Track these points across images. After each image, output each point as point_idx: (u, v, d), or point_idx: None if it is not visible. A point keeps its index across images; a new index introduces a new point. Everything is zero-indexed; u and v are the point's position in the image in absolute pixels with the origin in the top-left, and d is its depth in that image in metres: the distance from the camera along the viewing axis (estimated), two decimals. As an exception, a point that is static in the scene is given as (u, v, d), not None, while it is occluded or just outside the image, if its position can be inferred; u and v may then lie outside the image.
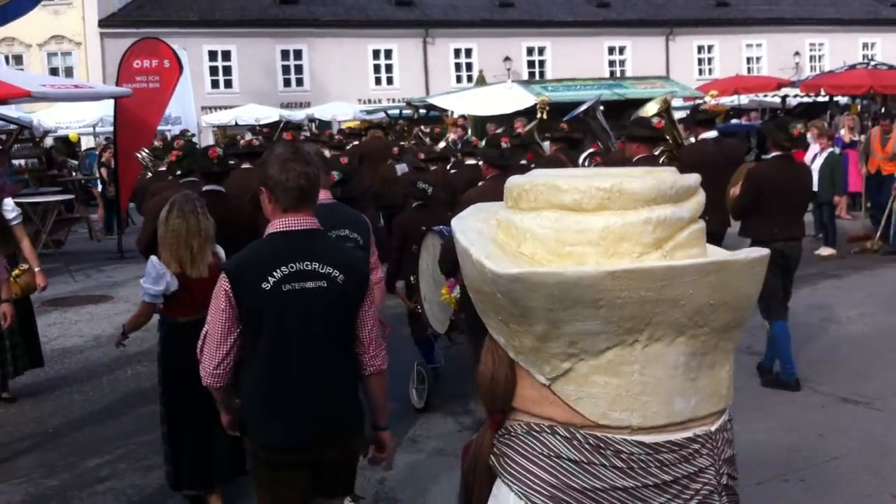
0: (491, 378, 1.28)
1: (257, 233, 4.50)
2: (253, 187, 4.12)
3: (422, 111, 21.66)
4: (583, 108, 10.58)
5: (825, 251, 12.29)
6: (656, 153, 7.95)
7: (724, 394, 1.32)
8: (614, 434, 1.19)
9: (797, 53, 42.86)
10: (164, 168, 9.62)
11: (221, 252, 4.67)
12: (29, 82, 12.98)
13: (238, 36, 37.24)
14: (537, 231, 1.24)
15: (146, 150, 13.18)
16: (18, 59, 32.55)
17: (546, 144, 11.00)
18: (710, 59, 44.01)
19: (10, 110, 16.55)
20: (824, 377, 6.93)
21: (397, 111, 26.65)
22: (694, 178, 1.39)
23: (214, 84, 36.90)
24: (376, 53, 39.59)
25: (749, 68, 42.96)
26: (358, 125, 21.06)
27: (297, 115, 31.98)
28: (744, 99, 23.01)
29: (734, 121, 21.15)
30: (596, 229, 1.20)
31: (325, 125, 29.45)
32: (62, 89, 13.44)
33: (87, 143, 25.18)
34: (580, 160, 9.10)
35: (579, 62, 38.08)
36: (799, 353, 7.03)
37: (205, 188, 5.89)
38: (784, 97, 22.97)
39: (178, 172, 7.08)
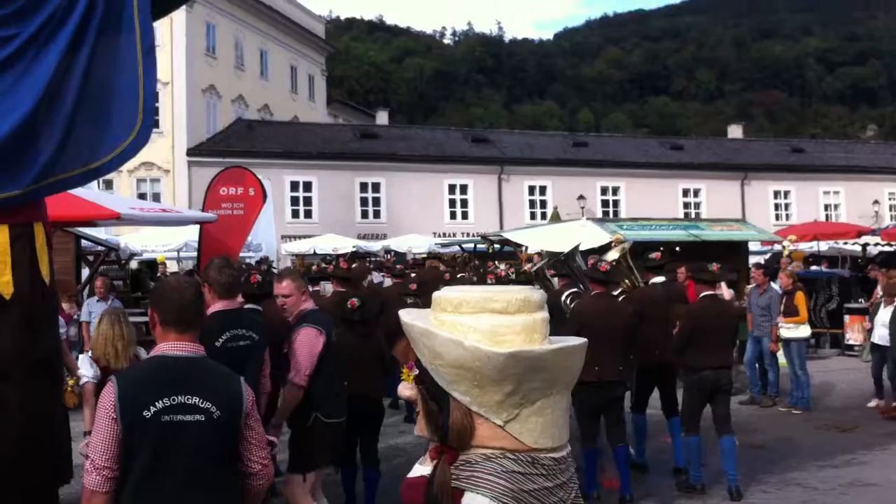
0: (462, 426, 1.86)
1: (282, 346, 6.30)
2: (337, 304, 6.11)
3: (496, 246, 21.84)
4: (565, 252, 11.70)
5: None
6: (615, 293, 9.16)
7: (567, 433, 1.99)
8: (540, 454, 1.86)
9: (876, 202, 42.47)
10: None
11: (143, 353, 5.81)
12: (118, 204, 13.43)
13: (319, 168, 38.43)
14: (479, 326, 1.85)
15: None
16: (109, 184, 33.52)
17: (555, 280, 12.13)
18: (786, 205, 43.84)
19: (99, 232, 17.11)
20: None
21: (472, 245, 26.94)
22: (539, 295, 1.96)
23: (295, 213, 37.91)
24: (452, 188, 40.40)
25: (827, 215, 42.67)
26: (444, 256, 21.43)
27: (374, 245, 32.54)
28: (823, 245, 22.71)
29: (814, 267, 20.80)
30: (519, 324, 1.86)
31: (400, 257, 29.90)
32: (150, 213, 13.88)
33: (170, 267, 25.87)
34: (563, 298, 9.97)
35: (653, 202, 38.29)
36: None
37: (246, 307, 6.57)
38: (864, 245, 22.60)
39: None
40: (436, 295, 1.99)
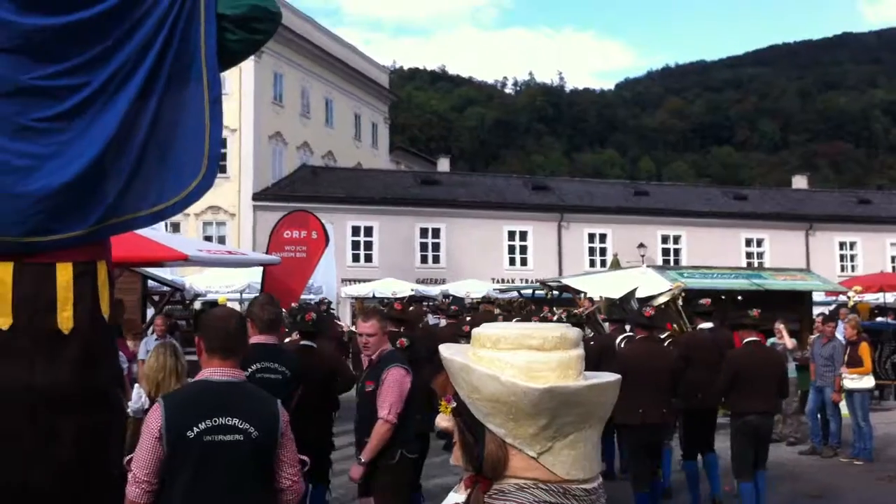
0: (496, 457, 1.95)
1: (335, 380, 7.57)
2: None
3: (555, 292, 21.83)
4: (620, 296, 12.23)
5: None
6: (662, 336, 9.82)
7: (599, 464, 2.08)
8: (571, 485, 1.94)
9: (944, 253, 41.50)
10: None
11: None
12: (186, 246, 13.79)
13: (381, 213, 38.90)
14: (516, 362, 1.92)
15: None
16: (176, 227, 34.16)
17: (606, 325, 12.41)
18: (852, 256, 43.05)
19: (165, 273, 17.53)
20: None
21: (530, 291, 26.92)
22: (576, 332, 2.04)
23: (356, 258, 38.31)
24: (511, 234, 40.51)
25: (894, 267, 41.77)
26: (496, 301, 21.51)
27: (432, 290, 32.68)
28: (889, 297, 22.26)
29: (879, 319, 20.39)
30: (555, 361, 1.91)
31: (458, 301, 29.98)
32: (216, 254, 14.27)
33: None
34: (617, 341, 10.26)
35: (715, 251, 37.90)
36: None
37: (301, 342, 7.53)
38: (932, 297, 22.14)
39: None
40: (475, 331, 2.07)
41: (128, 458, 3.72)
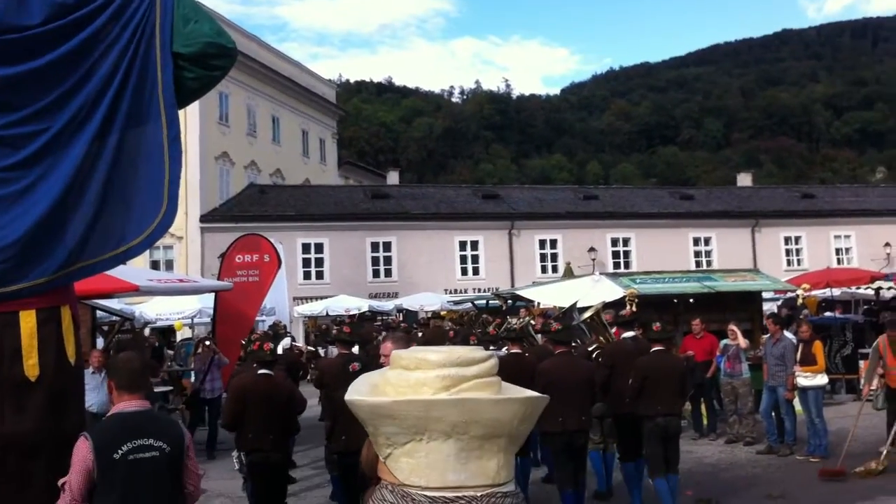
0: (366, 461, 2.37)
1: (293, 405, 8.27)
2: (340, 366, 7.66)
3: (509, 301, 21.93)
4: (564, 310, 12.86)
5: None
6: (591, 348, 11.03)
7: (492, 476, 2.19)
8: (411, 489, 2.12)
9: (887, 244, 42.38)
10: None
11: None
12: (136, 277, 13.59)
13: (331, 229, 38.72)
14: (391, 379, 2.19)
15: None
16: None
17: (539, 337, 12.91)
18: (797, 251, 43.80)
19: (113, 302, 17.29)
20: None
21: (484, 301, 27.02)
22: (482, 354, 2.24)
23: (307, 275, 38.07)
24: (463, 244, 40.58)
25: (839, 259, 42.58)
26: (446, 314, 21.54)
27: (386, 305, 32.63)
28: (836, 291, 22.69)
29: (828, 313, 20.78)
30: (412, 379, 2.13)
31: (411, 316, 29.97)
32: (168, 283, 14.07)
33: (182, 334, 25.99)
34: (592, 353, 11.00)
35: (664, 252, 38.44)
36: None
37: (259, 372, 8.18)
38: (878, 289, 22.56)
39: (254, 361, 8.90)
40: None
41: (61, 481, 4.17)
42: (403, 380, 2.18)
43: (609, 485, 10.17)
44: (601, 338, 11.45)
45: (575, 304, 13.39)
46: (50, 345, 4.57)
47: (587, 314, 11.99)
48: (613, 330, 11.68)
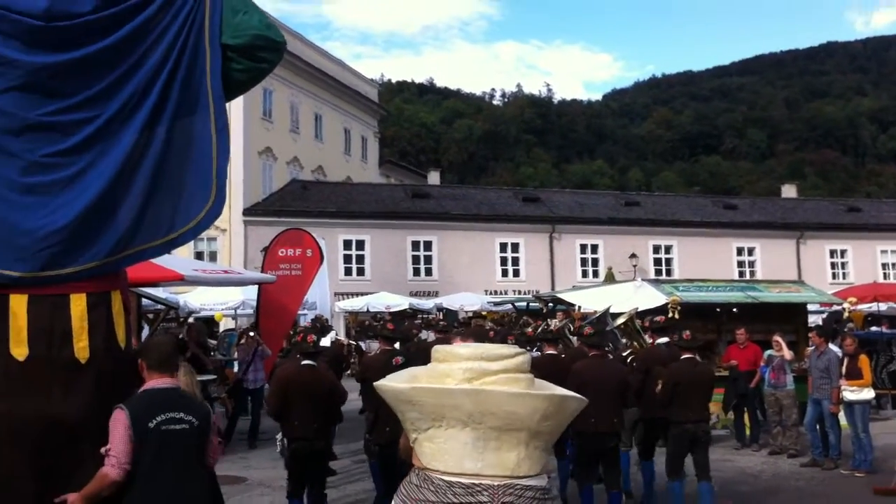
0: (402, 446, 2.41)
1: (335, 395, 8.54)
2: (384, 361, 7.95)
3: (550, 304, 21.84)
4: (597, 315, 13.06)
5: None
6: (624, 354, 11.18)
7: (511, 467, 2.28)
8: (432, 473, 2.26)
9: (935, 260, 41.73)
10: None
11: None
12: (182, 266, 13.77)
13: (372, 227, 38.90)
14: (426, 371, 2.33)
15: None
16: None
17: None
18: (843, 264, 43.24)
19: (159, 291, 17.49)
20: None
21: (524, 303, 26.95)
22: (512, 350, 2.37)
23: (348, 271, 38.27)
24: (503, 246, 40.54)
25: (885, 273, 42.01)
26: (487, 315, 21.55)
27: (426, 303, 32.68)
28: (882, 306, 22.35)
29: (874, 328, 20.47)
30: (439, 370, 2.28)
31: (451, 315, 29.97)
32: (213, 274, 14.24)
33: (224, 325, 26.22)
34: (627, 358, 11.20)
35: (707, 261, 38.05)
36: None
37: (302, 363, 8.37)
38: (926, 306, 22.23)
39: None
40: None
41: (103, 449, 4.41)
42: (434, 371, 2.34)
43: (629, 486, 10.40)
44: (635, 343, 11.64)
45: (608, 308, 13.49)
46: (100, 328, 4.65)
47: (620, 320, 12.16)
48: (648, 336, 11.81)
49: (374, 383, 2.40)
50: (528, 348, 12.26)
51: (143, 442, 4.43)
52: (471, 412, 2.24)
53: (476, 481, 2.25)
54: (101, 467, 4.42)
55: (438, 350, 2.40)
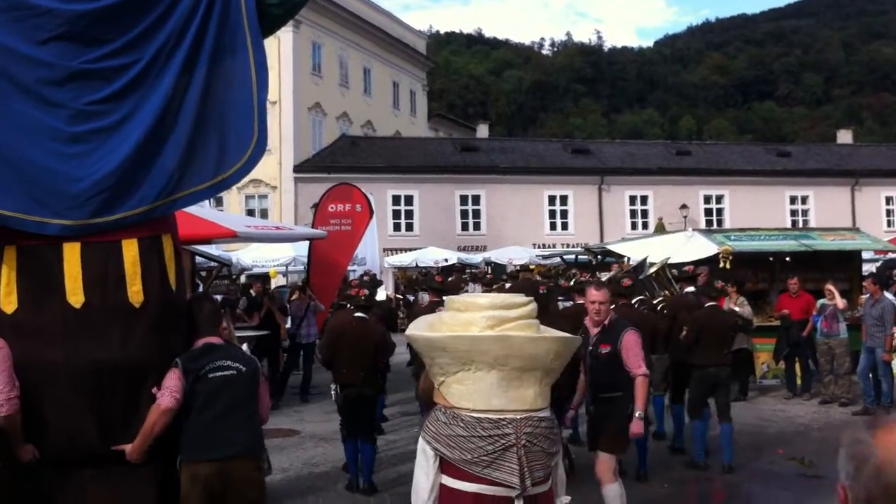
0: (423, 388, 2.67)
1: (384, 346, 8.90)
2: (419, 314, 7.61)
3: (599, 257, 21.79)
4: (633, 266, 13.78)
5: None
6: (656, 301, 11.90)
7: (530, 402, 2.67)
8: (461, 411, 2.55)
9: None
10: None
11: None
12: (234, 223, 13.94)
13: (421, 181, 38.96)
14: (445, 319, 2.66)
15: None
16: (219, 202, 33.97)
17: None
18: (900, 210, 42.30)
19: (211, 249, 17.73)
20: None
21: (573, 256, 26.90)
22: (523, 299, 2.74)
23: (396, 227, 38.48)
24: (552, 199, 40.37)
25: (942, 220, 41.04)
26: (536, 269, 21.55)
27: (474, 258, 32.76)
28: (939, 252, 21.89)
29: (929, 275, 20.08)
30: (463, 318, 2.57)
31: (500, 268, 30.04)
32: (265, 230, 14.41)
33: (276, 282, 26.55)
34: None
35: (759, 210, 37.46)
36: None
37: (355, 314, 8.74)
38: (985, 251, 21.70)
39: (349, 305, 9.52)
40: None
41: (155, 388, 4.64)
42: (455, 319, 2.67)
43: (662, 429, 10.84)
44: (666, 291, 12.18)
45: (645, 259, 13.97)
46: (153, 272, 4.72)
47: (653, 269, 12.65)
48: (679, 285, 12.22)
49: (406, 333, 2.80)
50: (561, 299, 12.98)
51: (195, 384, 4.69)
52: (498, 355, 2.58)
53: (501, 416, 2.62)
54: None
55: (456, 300, 2.75)
